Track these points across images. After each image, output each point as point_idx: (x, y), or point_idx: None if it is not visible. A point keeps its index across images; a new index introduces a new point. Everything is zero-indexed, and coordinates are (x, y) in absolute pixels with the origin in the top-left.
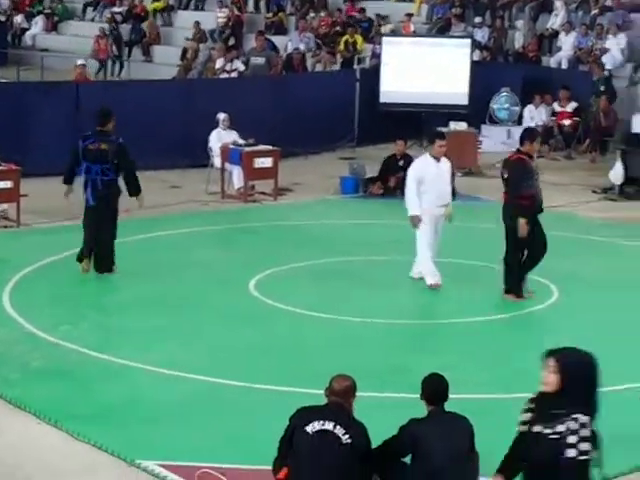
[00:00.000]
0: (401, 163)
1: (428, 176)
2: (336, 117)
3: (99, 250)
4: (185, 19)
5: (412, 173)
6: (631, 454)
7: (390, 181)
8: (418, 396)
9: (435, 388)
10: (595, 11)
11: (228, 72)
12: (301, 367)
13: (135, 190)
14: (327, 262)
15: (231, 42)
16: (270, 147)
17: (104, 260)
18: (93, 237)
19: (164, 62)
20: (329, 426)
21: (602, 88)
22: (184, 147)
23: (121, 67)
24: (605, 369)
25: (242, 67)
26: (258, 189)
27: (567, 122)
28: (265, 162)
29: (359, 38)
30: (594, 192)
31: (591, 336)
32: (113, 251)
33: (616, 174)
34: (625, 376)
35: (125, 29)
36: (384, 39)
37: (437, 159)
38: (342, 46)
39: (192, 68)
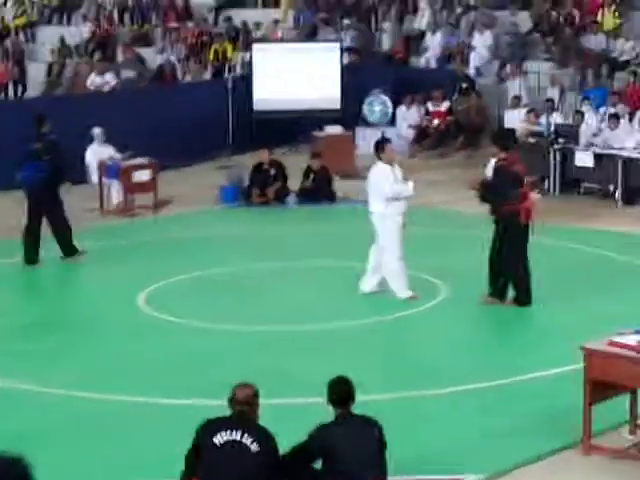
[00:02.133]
0: (272, 172)
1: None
2: (210, 127)
3: (58, 239)
4: (49, 35)
5: (385, 180)
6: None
7: (269, 192)
8: (318, 400)
9: (341, 390)
10: (459, 10)
11: (100, 86)
12: (199, 379)
13: (60, 181)
14: (213, 273)
15: (98, 56)
16: (147, 160)
17: (65, 246)
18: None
19: (29, 79)
20: (237, 435)
21: (464, 85)
22: None
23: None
24: (493, 362)
25: (114, 81)
26: (138, 203)
27: (437, 121)
28: (143, 175)
29: (228, 47)
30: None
31: (478, 330)
32: (70, 237)
33: (491, 169)
34: (514, 368)
35: None
36: (254, 46)
37: (392, 165)
38: (212, 55)
39: (59, 84)
